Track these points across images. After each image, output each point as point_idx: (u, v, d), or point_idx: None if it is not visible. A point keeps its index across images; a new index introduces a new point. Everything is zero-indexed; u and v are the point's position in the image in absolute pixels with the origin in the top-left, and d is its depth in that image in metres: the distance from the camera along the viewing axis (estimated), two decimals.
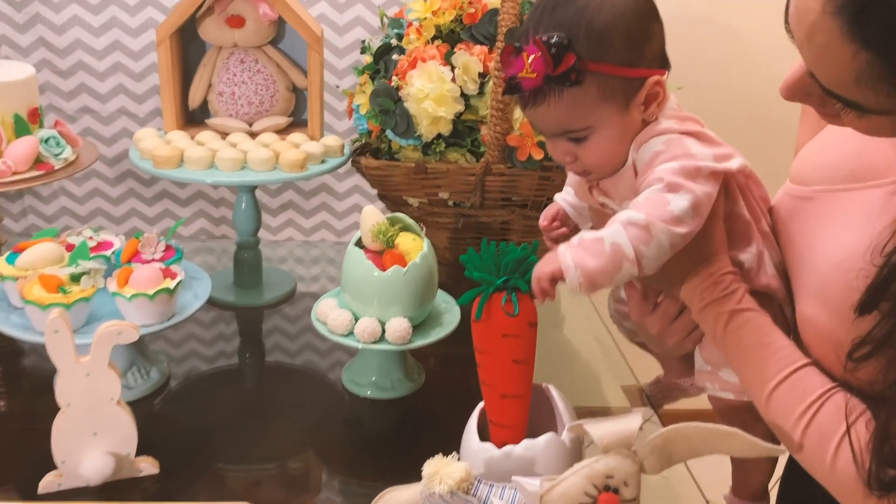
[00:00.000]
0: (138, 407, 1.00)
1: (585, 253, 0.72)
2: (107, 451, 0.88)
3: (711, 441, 0.71)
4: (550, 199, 1.03)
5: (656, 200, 0.72)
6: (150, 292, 0.97)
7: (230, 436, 1.02)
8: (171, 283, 0.99)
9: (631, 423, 0.71)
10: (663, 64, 0.78)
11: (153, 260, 1.05)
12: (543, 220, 0.91)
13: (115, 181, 1.81)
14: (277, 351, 1.25)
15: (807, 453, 0.70)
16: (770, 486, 0.95)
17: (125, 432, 0.89)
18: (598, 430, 0.71)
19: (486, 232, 1.28)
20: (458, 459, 0.74)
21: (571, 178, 0.90)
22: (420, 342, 1.03)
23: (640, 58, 0.75)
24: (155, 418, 1.05)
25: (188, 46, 1.31)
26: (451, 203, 1.27)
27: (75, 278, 0.98)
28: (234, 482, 0.95)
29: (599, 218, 0.85)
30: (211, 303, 1.33)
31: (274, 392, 1.14)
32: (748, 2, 1.81)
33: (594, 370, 1.27)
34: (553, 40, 0.72)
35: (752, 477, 0.92)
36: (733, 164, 0.78)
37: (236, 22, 1.26)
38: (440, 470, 0.72)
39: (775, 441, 0.74)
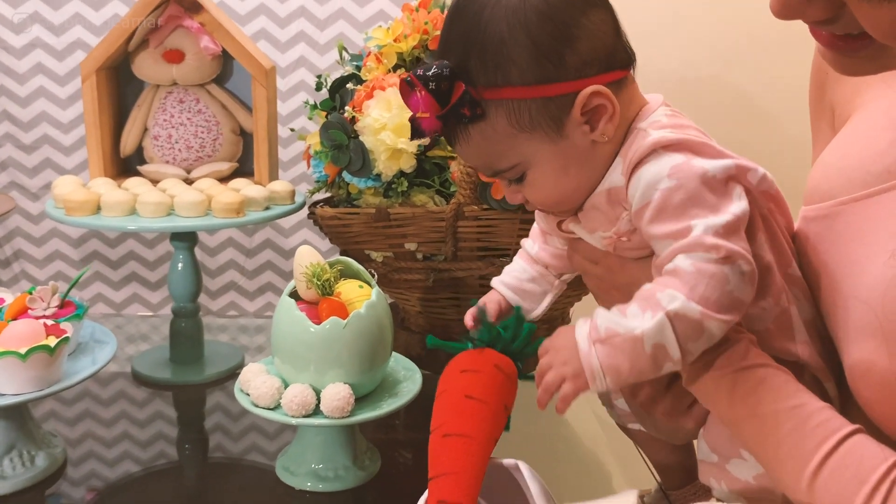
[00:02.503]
0: (13, 502, 0.79)
1: (619, 356, 0.56)
2: None
3: None
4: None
5: (714, 280, 0.54)
6: (23, 351, 0.77)
7: None
8: (52, 342, 0.80)
9: (626, 499, 0.50)
10: (611, 64, 0.59)
11: (43, 316, 0.86)
12: (469, 321, 0.70)
13: (39, 241, 1.68)
14: (212, 435, 1.04)
15: None
16: None
17: None
18: None
19: (462, 289, 1.09)
20: None
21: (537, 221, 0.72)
22: (365, 415, 0.81)
23: (559, 69, 0.57)
24: None
25: (125, 87, 1.17)
26: (420, 256, 1.08)
27: None
28: None
29: (577, 250, 0.68)
30: (140, 380, 1.13)
31: (194, 484, 0.92)
32: (759, 63, 1.70)
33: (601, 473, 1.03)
34: (432, 72, 0.57)
35: None
36: (763, 184, 0.60)
37: (175, 57, 1.12)
38: None
39: None
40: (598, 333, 0.57)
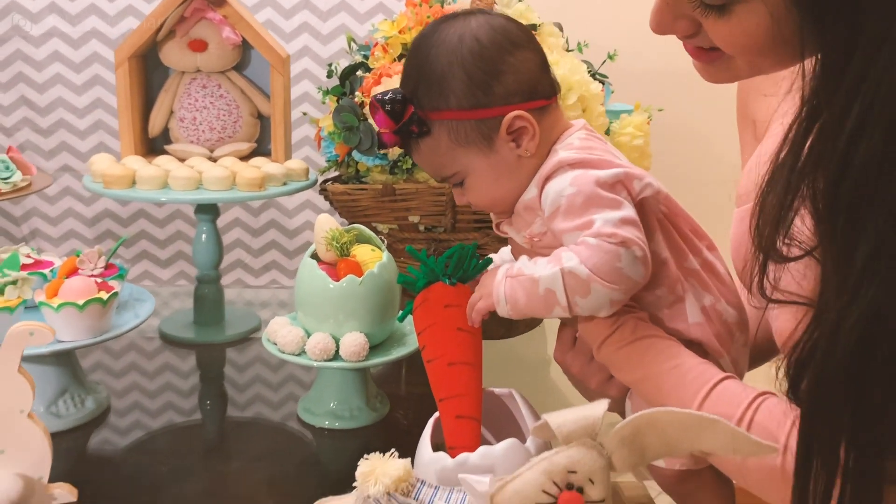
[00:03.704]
0: (66, 438, 0.90)
1: (519, 289, 0.70)
2: (14, 474, 0.77)
3: (690, 432, 0.60)
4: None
5: (604, 254, 0.66)
6: (80, 302, 0.88)
7: (168, 473, 0.92)
8: (104, 295, 0.91)
9: (595, 409, 0.61)
10: (534, 94, 0.72)
11: (91, 276, 0.97)
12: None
13: (55, 220, 1.78)
14: (233, 387, 1.15)
15: (751, 462, 0.61)
16: None
17: (38, 452, 0.78)
18: (558, 418, 0.62)
19: None
20: None
21: None
22: (378, 360, 0.93)
23: (488, 97, 0.71)
24: (83, 450, 0.94)
25: (152, 74, 1.27)
26: (422, 228, 1.20)
27: (0, 289, 0.90)
28: None
29: (515, 247, 0.81)
30: (167, 340, 1.25)
31: (223, 428, 1.04)
32: None
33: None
34: (388, 97, 0.71)
35: None
36: (647, 191, 0.71)
37: (199, 46, 1.23)
38: (375, 469, 0.62)
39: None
40: (511, 271, 0.70)
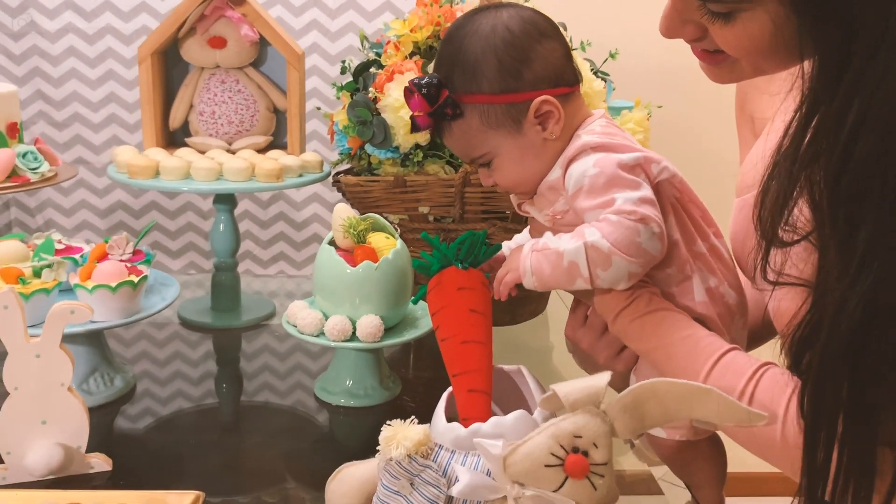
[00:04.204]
0: (96, 413, 0.96)
1: (544, 262, 0.75)
2: (55, 443, 0.83)
3: (687, 401, 0.66)
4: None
5: (625, 230, 0.71)
6: (113, 284, 0.94)
7: (193, 444, 0.98)
8: (135, 278, 0.96)
9: (599, 379, 0.67)
10: (559, 81, 0.78)
11: (121, 261, 1.02)
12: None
13: (69, 212, 1.83)
14: (251, 368, 1.21)
15: (756, 433, 0.66)
16: None
17: (76, 423, 0.84)
18: (565, 388, 0.67)
19: None
20: None
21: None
22: (392, 341, 0.99)
23: (518, 83, 0.76)
24: (114, 424, 1.00)
25: (172, 69, 1.33)
26: (431, 218, 1.25)
27: (37, 272, 0.95)
28: (193, 485, 0.90)
29: (535, 226, 0.86)
30: (186, 324, 1.30)
31: (244, 405, 1.10)
32: None
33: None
34: (424, 81, 0.77)
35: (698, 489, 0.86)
36: (664, 174, 0.77)
37: (218, 43, 1.28)
38: (397, 434, 0.67)
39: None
40: (537, 246, 0.76)
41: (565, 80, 0.78)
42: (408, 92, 0.79)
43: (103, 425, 0.99)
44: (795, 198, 0.60)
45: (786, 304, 0.69)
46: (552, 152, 0.79)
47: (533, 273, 0.76)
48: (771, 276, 0.65)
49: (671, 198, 0.78)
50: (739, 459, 0.84)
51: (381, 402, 1.04)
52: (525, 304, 1.34)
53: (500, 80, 0.76)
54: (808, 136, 0.58)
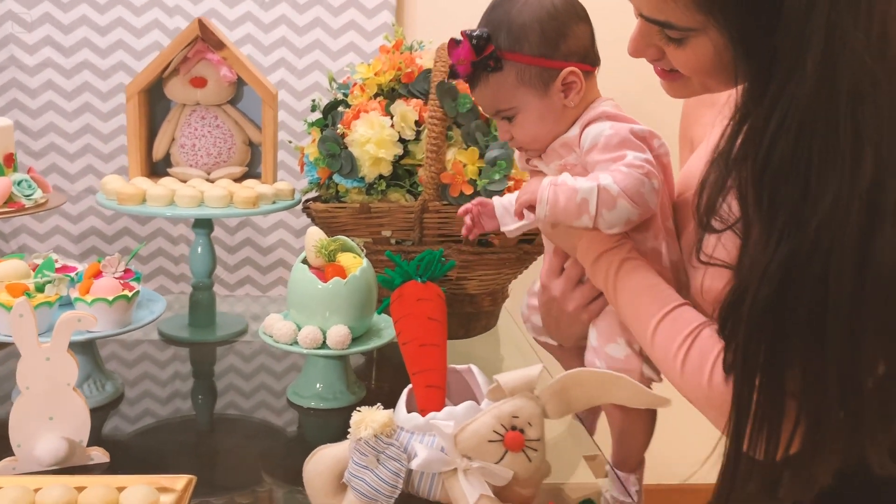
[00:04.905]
0: (92, 415, 1.06)
1: (560, 195, 0.87)
2: (61, 437, 0.94)
3: (604, 387, 0.81)
4: (484, 235, 1.23)
5: (634, 180, 0.86)
6: (110, 298, 1.05)
7: (180, 443, 1.09)
8: (129, 293, 1.08)
9: (532, 370, 0.81)
10: (585, 59, 0.93)
11: (114, 278, 1.14)
12: (460, 210, 1.04)
13: (43, 237, 1.93)
14: (227, 377, 1.32)
15: (687, 376, 0.79)
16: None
17: (79, 419, 0.95)
18: (505, 377, 0.81)
19: None
20: None
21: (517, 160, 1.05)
22: (359, 348, 1.12)
23: (554, 52, 0.91)
24: (108, 424, 1.11)
25: (155, 105, 1.45)
26: (393, 241, 1.39)
27: (40, 288, 1.06)
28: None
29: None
30: (166, 339, 1.41)
31: (223, 409, 1.21)
32: None
33: (554, 442, 1.31)
34: (475, 34, 0.90)
35: (629, 447, 1.00)
36: (661, 150, 0.92)
37: (199, 83, 1.41)
38: (365, 417, 0.80)
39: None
40: (556, 181, 0.88)
41: (590, 59, 0.94)
42: (453, 43, 0.92)
43: (97, 427, 1.09)
44: (727, 189, 0.74)
45: (709, 283, 0.84)
46: (568, 118, 0.93)
47: (548, 202, 0.87)
48: (704, 258, 0.79)
49: (660, 174, 0.92)
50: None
51: (347, 405, 1.16)
52: (478, 319, 1.48)
53: (541, 46, 0.90)
54: (739, 140, 0.73)
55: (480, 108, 0.98)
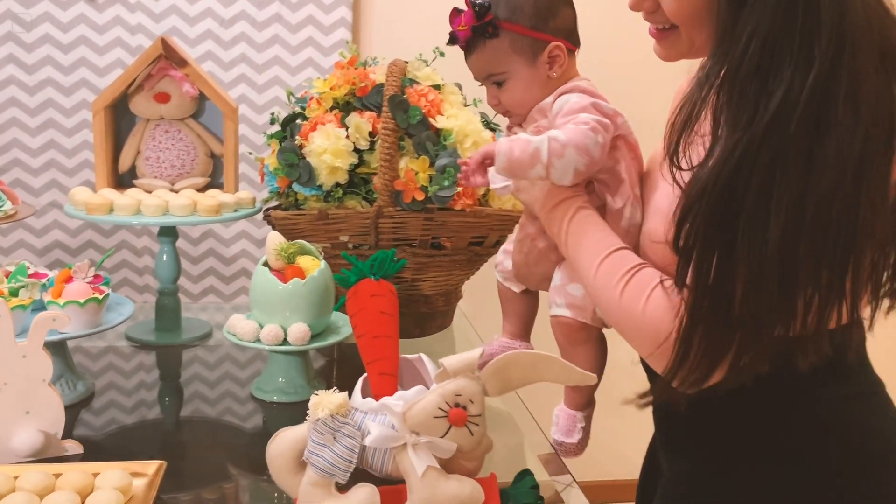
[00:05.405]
0: (65, 413, 1.12)
1: (516, 146, 0.96)
2: (37, 429, 1.00)
3: (538, 367, 0.89)
4: (436, 238, 1.34)
5: (580, 133, 0.95)
6: (81, 300, 1.12)
7: (150, 437, 1.16)
8: (99, 295, 1.15)
9: (473, 353, 0.90)
10: (569, 38, 1.04)
11: (85, 282, 1.20)
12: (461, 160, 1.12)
13: (7, 251, 1.98)
14: (194, 376, 1.39)
15: (624, 303, 0.87)
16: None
17: (54, 413, 1.01)
18: (449, 360, 0.89)
19: None
20: None
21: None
22: (318, 344, 1.20)
23: (544, 26, 1.02)
24: (81, 421, 1.17)
25: (120, 120, 1.52)
26: (351, 245, 1.47)
27: (13, 292, 1.12)
28: None
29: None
30: (134, 343, 1.48)
31: (191, 406, 1.27)
32: None
33: (509, 442, 1.28)
34: (478, 2, 1.01)
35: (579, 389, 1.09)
36: (622, 129, 1.01)
37: (163, 98, 1.48)
38: (322, 400, 0.88)
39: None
40: (512, 137, 0.97)
41: (573, 39, 1.05)
42: (455, 11, 1.02)
43: (70, 422, 1.15)
44: (699, 111, 0.80)
45: (652, 225, 0.93)
46: (550, 88, 1.03)
47: (504, 153, 0.94)
48: (676, 173, 0.83)
49: (625, 151, 1.01)
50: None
51: (308, 399, 1.22)
52: (433, 318, 1.56)
53: (533, 18, 1.01)
54: (713, 60, 0.80)
55: (473, 74, 1.07)
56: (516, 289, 1.16)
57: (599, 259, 0.91)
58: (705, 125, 0.82)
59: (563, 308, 1.02)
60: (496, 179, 1.08)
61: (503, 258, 1.17)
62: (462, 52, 1.07)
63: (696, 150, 0.82)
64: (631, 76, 1.96)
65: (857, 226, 0.76)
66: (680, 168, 0.83)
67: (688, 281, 0.81)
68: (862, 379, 0.92)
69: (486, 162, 0.98)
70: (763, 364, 0.81)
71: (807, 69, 0.75)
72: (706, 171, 0.79)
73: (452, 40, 1.05)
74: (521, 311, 1.16)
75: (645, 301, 0.86)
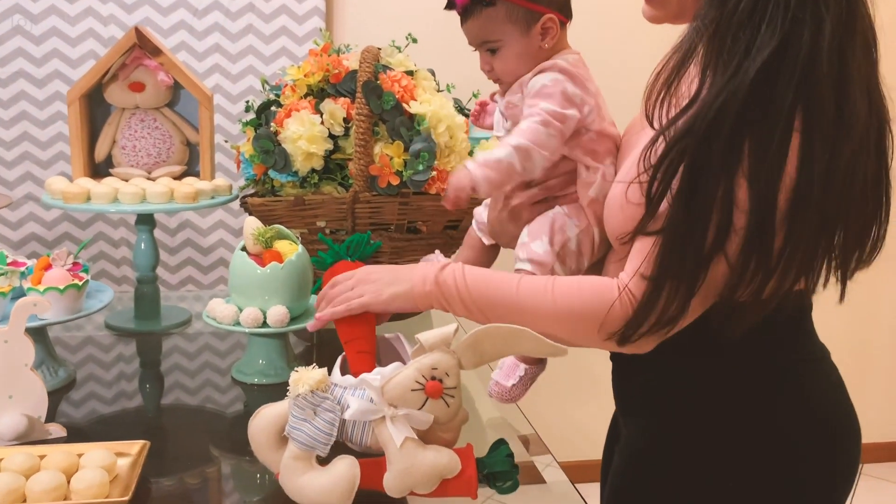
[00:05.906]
0: (48, 398, 1.14)
1: (489, 170, 1.00)
2: (20, 413, 1.02)
3: (510, 340, 0.92)
4: (412, 222, 1.37)
5: (533, 131, 1.00)
6: (61, 287, 1.13)
7: (132, 422, 1.17)
8: (79, 282, 1.16)
9: (448, 328, 0.92)
10: (562, 10, 1.07)
11: (63, 270, 1.21)
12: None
13: (16, 224, 1.99)
14: (175, 361, 1.41)
15: (558, 297, 0.91)
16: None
17: (37, 397, 1.03)
18: (425, 335, 0.92)
19: None
20: None
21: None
22: (296, 326, 1.22)
23: None
24: (63, 406, 1.18)
25: (95, 109, 1.52)
26: (328, 231, 1.49)
27: None
28: None
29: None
30: (114, 330, 1.49)
31: (172, 390, 1.29)
32: None
33: (492, 424, 1.31)
34: None
35: None
36: (589, 118, 1.04)
37: (138, 87, 1.49)
38: (302, 376, 0.91)
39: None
40: (477, 161, 1.01)
41: (565, 12, 1.08)
42: None
43: (52, 407, 1.16)
44: (689, 58, 0.83)
45: (613, 192, 0.94)
46: (540, 59, 1.06)
47: (483, 181, 0.99)
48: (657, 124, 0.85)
49: (587, 136, 1.05)
50: None
51: (287, 381, 1.25)
52: None
53: None
54: (707, 7, 0.83)
55: (467, 40, 1.10)
56: (486, 241, 1.21)
57: (515, 283, 0.95)
58: (690, 86, 0.84)
59: (525, 262, 1.06)
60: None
61: (483, 210, 1.21)
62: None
63: (679, 104, 0.84)
64: (620, 47, 1.98)
65: (835, 187, 0.80)
66: (662, 107, 0.84)
67: (660, 224, 0.83)
68: (810, 346, 0.98)
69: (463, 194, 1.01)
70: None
71: (801, 19, 0.78)
72: (689, 114, 0.81)
73: (450, 5, 1.08)
74: (478, 260, 1.21)
75: (578, 284, 0.91)
